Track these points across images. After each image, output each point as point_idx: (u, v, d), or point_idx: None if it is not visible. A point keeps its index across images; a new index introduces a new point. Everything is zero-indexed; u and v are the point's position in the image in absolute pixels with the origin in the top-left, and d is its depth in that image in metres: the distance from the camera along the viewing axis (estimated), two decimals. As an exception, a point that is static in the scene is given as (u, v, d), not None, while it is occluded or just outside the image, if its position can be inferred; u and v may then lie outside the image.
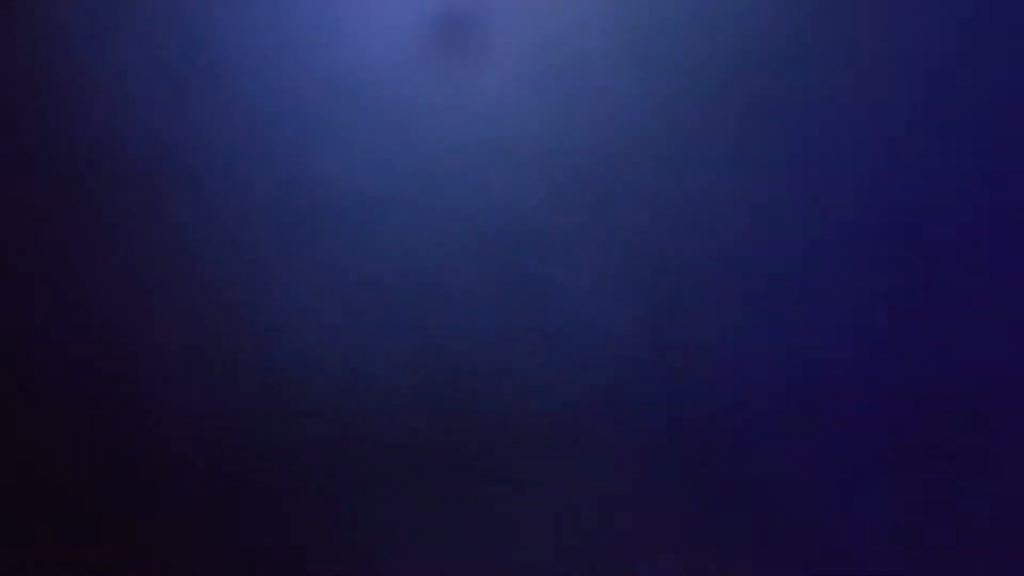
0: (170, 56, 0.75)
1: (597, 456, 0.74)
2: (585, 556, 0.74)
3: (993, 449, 0.73)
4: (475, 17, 0.74)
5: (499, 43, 0.74)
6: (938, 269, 0.73)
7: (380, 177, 0.75)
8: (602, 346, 0.74)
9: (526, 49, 0.74)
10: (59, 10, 0.76)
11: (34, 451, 0.75)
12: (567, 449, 0.74)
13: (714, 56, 0.74)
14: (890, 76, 0.73)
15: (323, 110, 0.75)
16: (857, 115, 0.73)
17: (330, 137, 0.75)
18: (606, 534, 0.74)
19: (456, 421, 0.74)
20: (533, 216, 0.74)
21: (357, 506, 0.74)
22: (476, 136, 0.74)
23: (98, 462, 0.75)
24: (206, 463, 0.75)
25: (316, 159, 0.75)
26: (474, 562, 0.74)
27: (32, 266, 0.76)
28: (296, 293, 0.75)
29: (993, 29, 0.73)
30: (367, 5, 0.75)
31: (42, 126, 0.76)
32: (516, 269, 0.74)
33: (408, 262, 0.74)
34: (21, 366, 0.76)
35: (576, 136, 0.74)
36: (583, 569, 0.74)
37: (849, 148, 0.73)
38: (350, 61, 0.75)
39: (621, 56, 0.74)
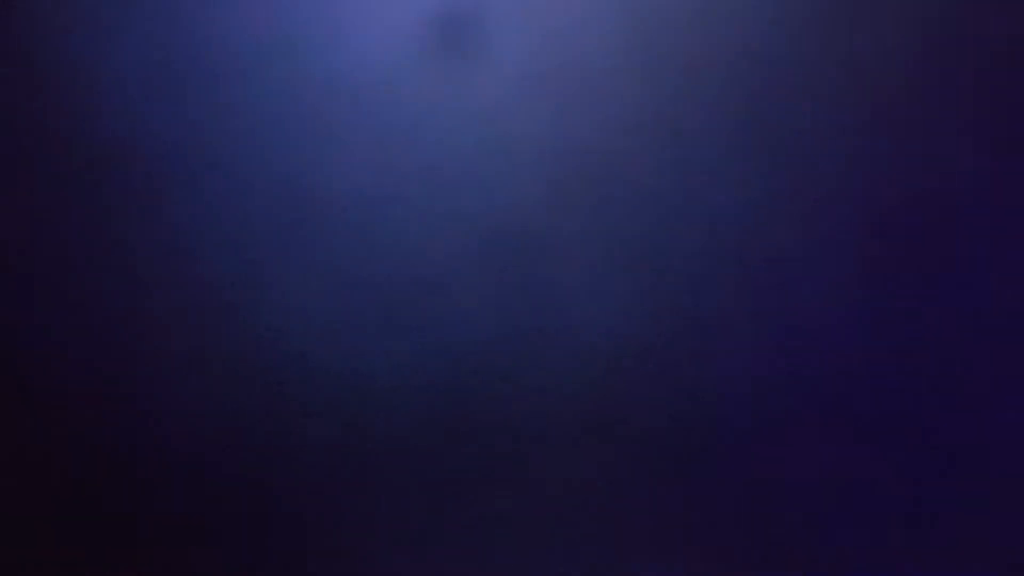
0: (170, 56, 0.75)
1: (597, 456, 0.74)
2: (585, 556, 0.74)
3: (993, 449, 0.73)
4: (475, 17, 0.74)
5: (499, 43, 0.74)
6: (938, 269, 0.73)
7: (380, 177, 0.75)
8: (602, 346, 0.74)
9: (526, 49, 0.74)
10: (59, 10, 0.76)
11: (34, 451, 0.75)
12: (567, 448, 0.74)
13: (714, 56, 0.74)
14: (890, 76, 0.73)
15: (323, 110, 0.75)
16: (857, 115, 0.73)
17: (330, 137, 0.75)
18: (606, 534, 0.74)
19: (456, 420, 0.74)
20: (533, 216, 0.74)
21: (357, 506, 0.74)
22: (476, 136, 0.74)
23: (98, 462, 0.75)
24: (206, 463, 0.75)
25: (316, 159, 0.75)
26: (475, 562, 0.74)
27: (32, 266, 0.76)
28: (296, 293, 0.75)
29: (993, 29, 0.73)
30: (367, 5, 0.75)
31: (42, 126, 0.76)
32: (516, 269, 0.74)
33: (408, 262, 0.74)
34: (21, 366, 0.76)
35: (576, 136, 0.74)
36: (583, 569, 0.74)
37: (849, 148, 0.73)
38: (350, 61, 0.75)
39: (621, 56, 0.74)
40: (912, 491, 0.73)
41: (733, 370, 0.73)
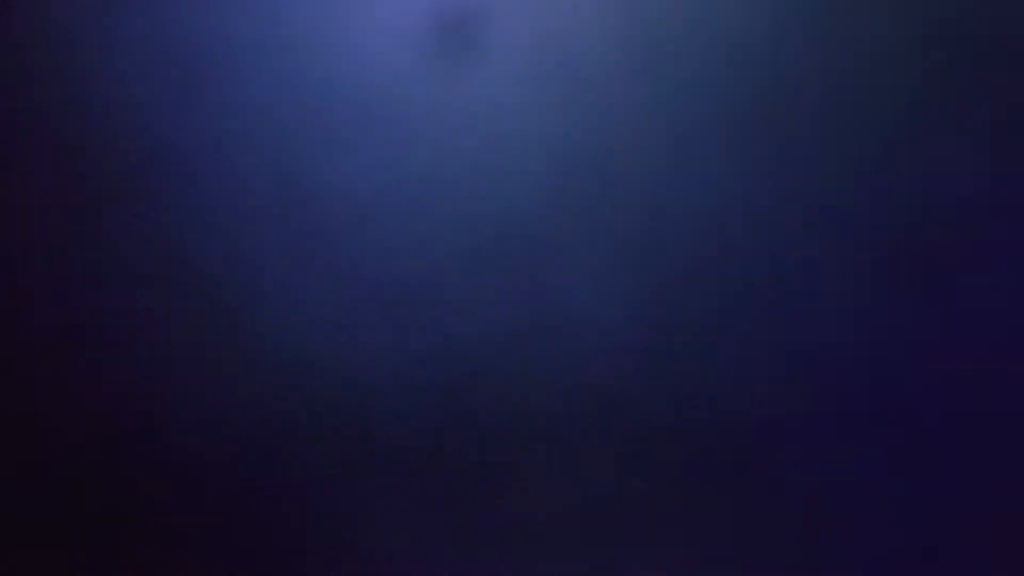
0: (170, 57, 0.75)
1: (598, 456, 0.74)
2: (585, 555, 0.74)
3: (993, 449, 0.73)
4: (475, 18, 0.74)
5: (500, 44, 0.74)
6: (938, 269, 0.73)
7: (380, 177, 0.75)
8: (602, 346, 0.74)
9: (527, 50, 0.74)
10: (59, 10, 0.76)
11: (34, 451, 0.75)
12: (567, 448, 0.74)
13: (714, 57, 0.74)
14: (890, 78, 0.73)
15: (323, 110, 0.75)
16: (857, 116, 0.73)
17: (330, 137, 0.75)
18: (606, 533, 0.74)
19: (456, 420, 0.74)
20: (534, 216, 0.74)
21: (357, 505, 0.74)
22: (476, 137, 0.74)
23: (97, 462, 0.75)
24: (205, 462, 0.75)
25: (316, 159, 0.75)
26: (475, 561, 0.74)
27: (32, 266, 0.76)
28: (296, 293, 0.75)
29: (993, 30, 0.73)
30: (367, 6, 0.75)
31: (42, 126, 0.76)
32: (516, 269, 0.74)
33: (408, 262, 0.74)
34: (21, 367, 0.76)
35: (576, 136, 0.74)
36: (583, 569, 0.74)
37: (849, 149, 0.73)
38: (350, 62, 0.75)
39: (621, 57, 0.74)
40: (912, 491, 0.73)
41: (734, 370, 0.73)
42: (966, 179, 0.73)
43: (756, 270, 0.73)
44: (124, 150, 0.76)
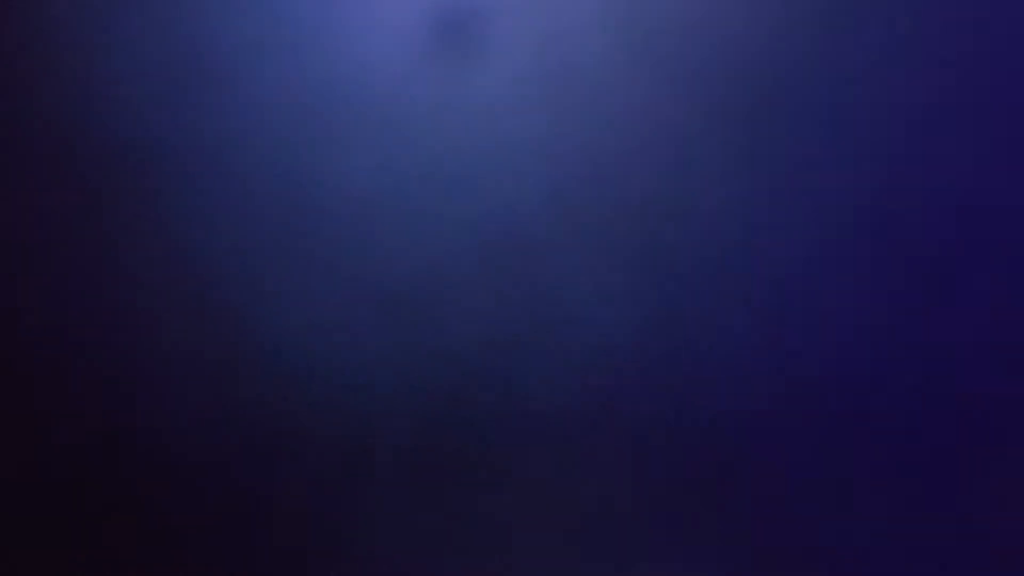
0: (170, 57, 0.75)
1: (598, 456, 0.74)
2: (585, 556, 0.74)
3: (993, 449, 0.73)
4: (476, 18, 0.74)
5: (500, 45, 0.74)
6: (938, 270, 0.73)
7: (380, 178, 0.75)
8: (602, 347, 0.74)
9: (527, 51, 0.74)
10: (58, 9, 0.76)
11: (35, 452, 0.75)
12: (568, 449, 0.74)
13: (714, 59, 0.74)
14: (890, 79, 0.73)
15: (324, 111, 0.75)
16: (857, 118, 0.73)
17: (331, 138, 0.75)
18: (606, 534, 0.74)
19: (456, 421, 0.74)
20: (534, 218, 0.74)
21: (357, 506, 0.74)
22: (476, 138, 0.74)
23: (97, 462, 0.75)
24: (205, 462, 0.75)
25: (317, 160, 0.75)
26: (474, 562, 0.74)
27: (32, 266, 0.76)
28: (296, 294, 0.75)
29: (994, 30, 0.73)
30: (367, 5, 0.75)
31: (41, 127, 0.76)
32: (517, 271, 0.74)
33: (408, 263, 0.74)
34: (21, 368, 0.76)
35: (576, 138, 0.74)
36: (583, 569, 0.74)
37: (849, 151, 0.73)
38: (350, 62, 0.75)
39: (621, 59, 0.74)
40: (912, 491, 0.73)
41: (733, 371, 0.73)
42: (967, 180, 0.73)
43: (756, 271, 0.73)
44: (123, 150, 0.76)
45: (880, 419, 0.73)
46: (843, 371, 0.73)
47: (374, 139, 0.75)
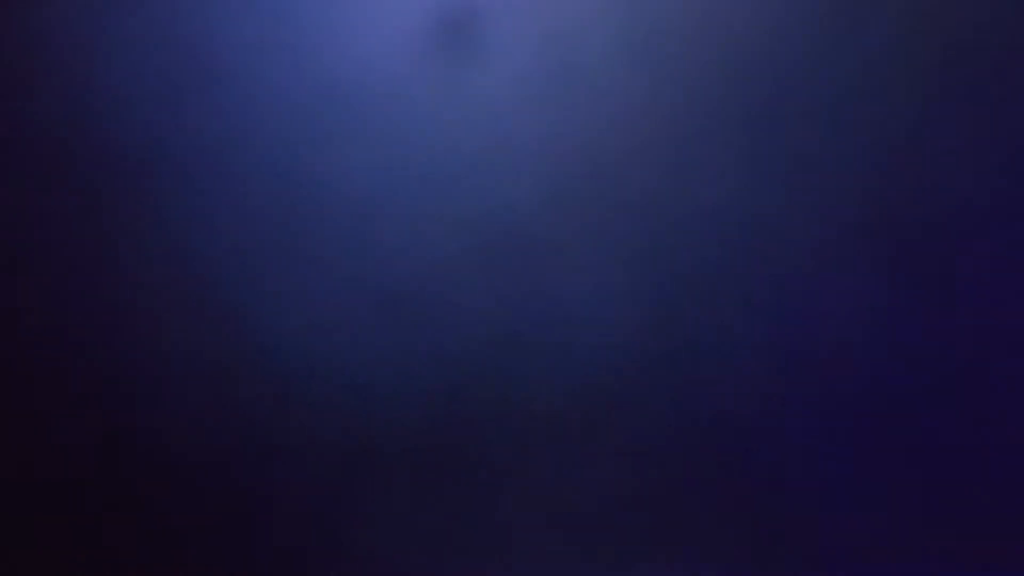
0: (169, 57, 0.75)
1: (598, 456, 0.74)
2: (585, 556, 0.74)
3: (993, 448, 0.73)
4: (475, 18, 0.74)
5: (501, 45, 0.74)
6: (938, 270, 0.73)
7: (380, 178, 0.75)
8: (603, 347, 0.74)
9: (528, 51, 0.74)
10: (58, 9, 0.76)
11: (34, 452, 0.75)
12: (568, 449, 0.74)
13: (715, 59, 0.74)
14: (892, 80, 0.73)
15: (323, 111, 0.75)
16: (857, 118, 0.73)
17: (330, 138, 0.75)
18: (606, 534, 0.74)
19: (456, 421, 0.74)
20: (534, 218, 0.74)
21: (357, 506, 0.74)
22: (477, 138, 0.74)
23: (96, 462, 0.75)
24: (205, 462, 0.75)
25: (316, 160, 0.75)
26: (474, 562, 0.74)
27: (32, 266, 0.76)
28: (296, 294, 0.75)
29: (994, 31, 0.73)
30: (367, 5, 0.75)
31: (41, 127, 0.76)
32: (516, 270, 0.74)
33: (409, 264, 0.74)
34: (21, 368, 0.76)
35: (576, 138, 0.74)
36: (584, 569, 0.74)
37: (849, 150, 0.73)
38: (350, 62, 0.75)
39: (621, 59, 0.74)
40: (912, 491, 0.73)
41: (734, 370, 0.73)
42: (967, 179, 0.73)
43: (756, 270, 0.73)
44: (123, 150, 0.75)
45: (880, 419, 0.73)
46: (843, 371, 0.73)
47: (374, 139, 0.75)
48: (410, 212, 0.74)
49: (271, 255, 0.75)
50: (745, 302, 0.73)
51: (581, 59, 0.74)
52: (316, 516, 0.74)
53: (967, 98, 0.73)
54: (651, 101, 0.74)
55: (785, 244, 0.73)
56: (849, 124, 0.73)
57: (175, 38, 0.75)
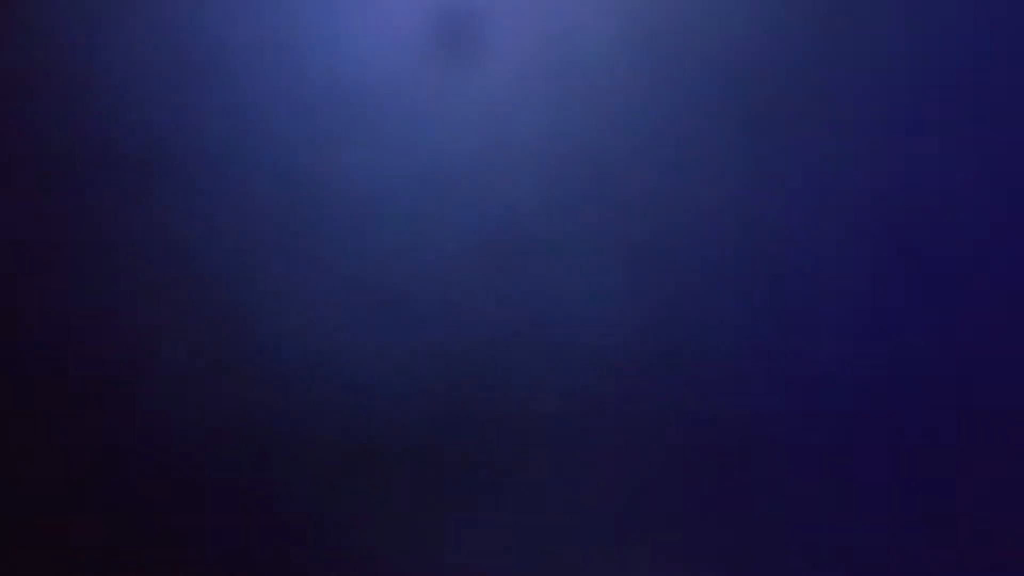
0: (169, 57, 0.75)
1: (598, 456, 0.74)
2: (586, 555, 0.74)
3: (994, 448, 0.73)
4: (477, 19, 0.74)
5: (501, 45, 0.74)
6: (939, 270, 0.73)
7: (380, 177, 0.75)
8: (603, 347, 0.74)
9: (528, 51, 0.74)
10: (58, 8, 0.76)
11: (34, 453, 0.75)
12: (568, 449, 0.74)
13: (715, 59, 0.74)
14: (893, 80, 0.73)
15: (323, 110, 0.75)
16: (858, 119, 0.73)
17: (330, 137, 0.75)
18: (607, 533, 0.74)
19: (456, 420, 0.74)
20: (534, 217, 0.74)
21: (357, 506, 0.74)
22: (477, 138, 0.74)
23: (96, 463, 0.75)
24: (205, 462, 0.75)
25: (316, 159, 0.75)
26: (475, 562, 0.74)
27: (31, 266, 0.76)
28: (295, 293, 0.75)
29: (994, 30, 0.73)
30: (367, 6, 0.75)
31: (41, 126, 0.76)
32: (518, 270, 0.74)
33: (409, 263, 0.74)
34: (21, 368, 0.76)
35: (576, 137, 0.74)
36: (584, 568, 0.74)
37: (850, 151, 0.73)
38: (350, 61, 0.75)
39: (622, 58, 0.74)
40: (912, 491, 0.73)
41: (734, 370, 0.73)
42: (968, 179, 0.73)
43: (757, 270, 0.73)
44: (122, 150, 0.76)
45: (880, 419, 0.73)
46: (844, 371, 0.73)
47: (374, 139, 0.75)
48: (410, 212, 0.74)
49: (271, 255, 0.75)
50: (745, 302, 0.73)
51: (581, 59, 0.74)
52: (316, 516, 0.74)
53: (967, 97, 0.73)
54: (651, 101, 0.74)
55: (785, 244, 0.73)
56: (849, 124, 0.73)
57: (175, 38, 0.75)
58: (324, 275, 0.74)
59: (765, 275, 0.73)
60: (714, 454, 0.73)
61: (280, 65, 0.75)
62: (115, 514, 0.75)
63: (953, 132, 0.73)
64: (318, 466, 0.74)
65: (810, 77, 0.73)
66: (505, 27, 0.74)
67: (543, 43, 0.74)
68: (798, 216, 0.73)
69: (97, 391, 0.75)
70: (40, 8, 0.76)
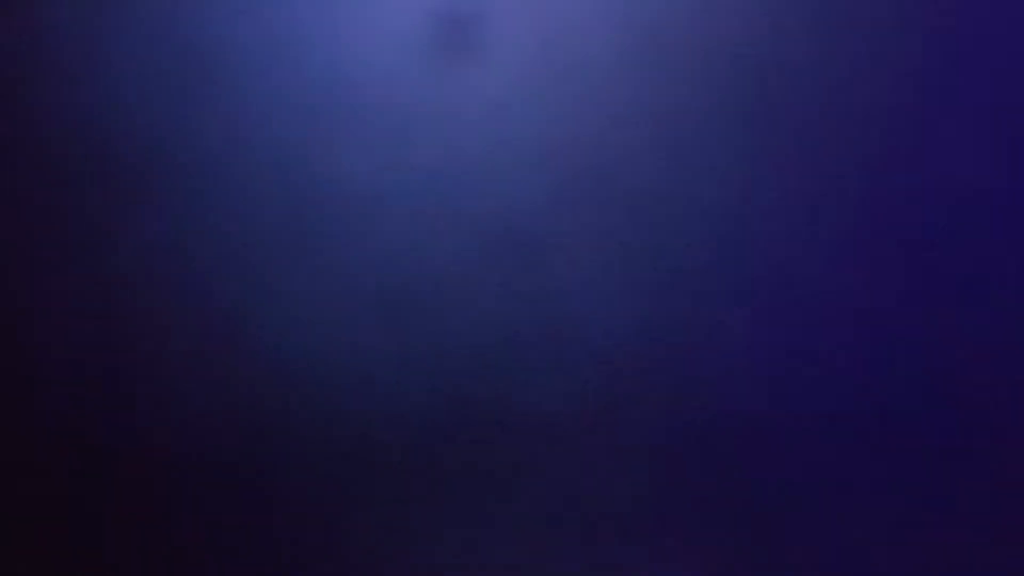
0: (169, 56, 0.75)
1: (598, 455, 0.74)
2: (586, 555, 0.74)
3: (993, 448, 0.73)
4: (476, 18, 0.74)
5: (501, 44, 0.74)
6: (939, 269, 0.73)
7: (381, 177, 0.75)
8: (603, 346, 0.74)
9: (528, 50, 0.74)
10: (57, 8, 0.76)
11: (34, 454, 0.75)
12: (569, 448, 0.74)
13: (714, 58, 0.74)
14: (891, 78, 0.73)
15: (323, 110, 0.75)
16: (857, 117, 0.73)
17: (331, 138, 0.75)
18: (607, 533, 0.74)
19: (457, 420, 0.74)
20: (535, 217, 0.74)
21: (359, 506, 0.74)
22: (477, 137, 0.74)
23: (96, 464, 0.75)
24: (206, 463, 0.75)
25: (317, 161, 0.75)
26: (477, 561, 0.74)
27: (31, 267, 0.76)
28: (296, 294, 0.75)
29: (993, 29, 0.73)
30: (367, 6, 0.75)
31: (41, 126, 0.76)
32: (518, 270, 0.74)
33: (409, 263, 0.74)
34: (20, 367, 0.76)
35: (577, 136, 0.74)
36: (584, 568, 0.74)
37: (851, 150, 0.73)
38: (350, 61, 0.75)
39: (622, 58, 0.74)
40: (912, 491, 0.73)
41: (734, 370, 0.73)
42: (967, 178, 0.73)
43: (757, 270, 0.73)
44: (122, 150, 0.75)
45: (880, 419, 0.73)
46: (843, 371, 0.73)
47: (375, 138, 0.75)
48: (411, 211, 0.74)
49: (271, 254, 0.75)
50: (746, 302, 0.73)
51: (582, 59, 0.74)
52: (316, 516, 0.74)
53: (967, 97, 0.73)
54: (651, 101, 0.74)
55: (786, 244, 0.73)
56: (849, 123, 0.73)
57: (175, 38, 0.75)
58: (324, 275, 0.74)
59: (766, 275, 0.73)
60: (714, 454, 0.73)
61: (280, 65, 0.75)
62: (115, 514, 0.75)
63: (953, 132, 0.73)
64: (318, 466, 0.74)
65: (811, 77, 0.73)
66: (505, 27, 0.74)
67: (544, 43, 0.74)
68: (799, 216, 0.73)
69: (97, 390, 0.75)
70: (40, 8, 0.76)
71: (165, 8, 0.76)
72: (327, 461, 0.74)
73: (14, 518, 0.75)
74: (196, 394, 0.75)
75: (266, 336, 0.75)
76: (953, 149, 0.73)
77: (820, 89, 0.73)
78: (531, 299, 0.74)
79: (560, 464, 0.74)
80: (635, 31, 0.74)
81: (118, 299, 0.75)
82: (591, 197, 0.74)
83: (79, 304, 0.75)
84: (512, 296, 0.74)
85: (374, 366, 0.74)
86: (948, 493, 0.73)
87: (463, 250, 0.74)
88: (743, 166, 0.73)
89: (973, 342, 0.73)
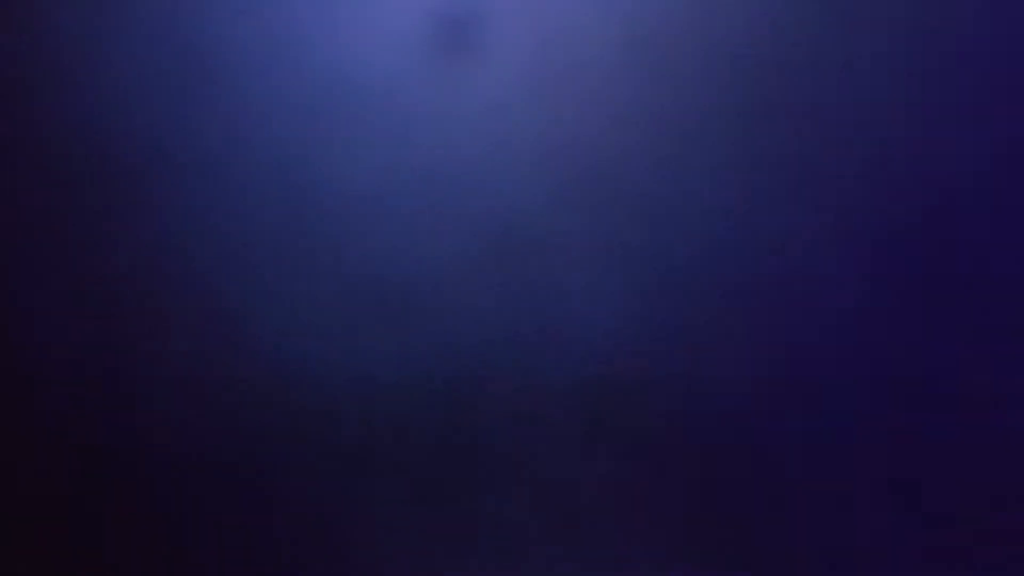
0: (169, 56, 0.75)
1: (597, 455, 0.74)
2: (585, 555, 0.74)
3: (994, 449, 0.73)
4: (476, 18, 0.74)
5: (500, 44, 0.74)
6: (939, 270, 0.73)
7: (381, 177, 0.75)
8: (604, 346, 0.74)
9: (528, 50, 0.74)
10: (57, 8, 0.76)
11: (34, 454, 0.75)
12: (569, 448, 0.74)
13: (714, 58, 0.74)
14: (889, 78, 0.73)
15: (323, 110, 0.75)
16: (855, 116, 0.73)
17: (331, 138, 0.75)
18: (606, 533, 0.74)
19: (457, 420, 0.74)
20: (534, 217, 0.74)
21: (359, 506, 0.74)
22: (477, 137, 0.74)
23: (96, 465, 0.75)
24: (205, 463, 0.75)
25: (317, 161, 0.75)
26: (477, 561, 0.74)
27: (30, 268, 0.76)
28: (296, 293, 0.75)
29: (992, 29, 0.73)
30: (367, 6, 0.75)
31: (41, 126, 0.76)
32: (517, 270, 0.74)
33: (409, 263, 0.74)
34: (19, 368, 0.76)
35: (577, 137, 0.74)
36: (584, 568, 0.74)
37: (847, 149, 0.73)
38: (350, 61, 0.75)
39: (621, 58, 0.74)
40: (912, 491, 0.73)
41: (733, 370, 0.73)
42: (968, 179, 0.73)
43: (757, 270, 0.73)
44: (121, 150, 0.75)
45: (880, 419, 0.73)
46: (842, 371, 0.73)
47: (374, 138, 0.75)
48: (411, 211, 0.74)
49: (271, 255, 0.75)
50: (746, 301, 0.73)
51: (582, 59, 0.74)
52: (316, 516, 0.74)
53: (967, 97, 0.73)
54: (651, 101, 0.74)
55: (786, 243, 0.73)
56: (849, 123, 0.73)
57: (175, 38, 0.75)
58: (324, 274, 0.74)
59: (766, 274, 0.73)
60: (715, 454, 0.73)
61: (280, 65, 0.75)
62: (115, 514, 0.75)
63: (953, 131, 0.73)
64: (318, 466, 0.74)
65: (810, 77, 0.73)
66: (505, 27, 0.74)
67: (543, 43, 0.74)
68: (800, 216, 0.73)
69: (97, 391, 0.75)
70: (40, 8, 0.76)
71: (165, 8, 0.76)
72: (327, 461, 0.74)
73: (14, 518, 0.75)
74: (196, 394, 0.75)
75: (266, 336, 0.75)
76: (953, 149, 0.73)
77: (820, 89, 0.73)
78: (531, 299, 0.74)
79: (560, 464, 0.74)
80: (635, 31, 0.74)
81: (118, 299, 0.75)
82: (591, 197, 0.74)
83: (79, 304, 0.75)
84: (512, 296, 0.74)
85: (374, 366, 0.74)
86: (948, 493, 0.73)
87: (463, 250, 0.74)
88: (743, 166, 0.73)
89: (974, 342, 0.73)
